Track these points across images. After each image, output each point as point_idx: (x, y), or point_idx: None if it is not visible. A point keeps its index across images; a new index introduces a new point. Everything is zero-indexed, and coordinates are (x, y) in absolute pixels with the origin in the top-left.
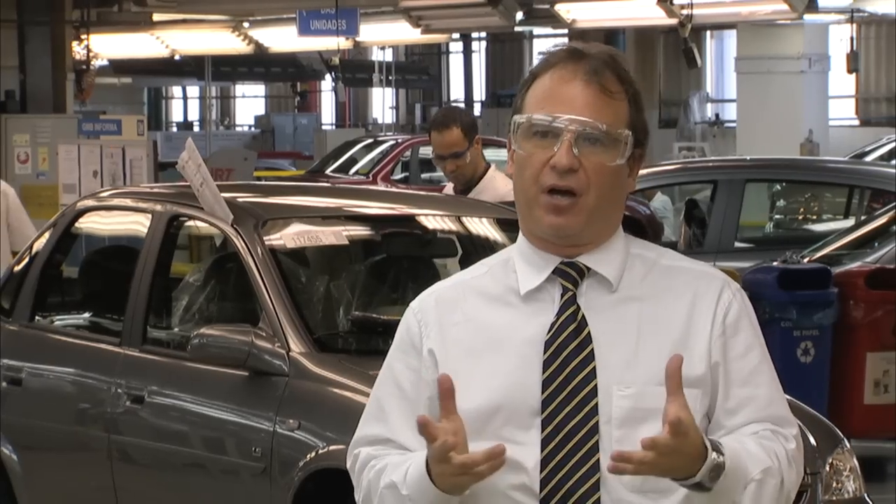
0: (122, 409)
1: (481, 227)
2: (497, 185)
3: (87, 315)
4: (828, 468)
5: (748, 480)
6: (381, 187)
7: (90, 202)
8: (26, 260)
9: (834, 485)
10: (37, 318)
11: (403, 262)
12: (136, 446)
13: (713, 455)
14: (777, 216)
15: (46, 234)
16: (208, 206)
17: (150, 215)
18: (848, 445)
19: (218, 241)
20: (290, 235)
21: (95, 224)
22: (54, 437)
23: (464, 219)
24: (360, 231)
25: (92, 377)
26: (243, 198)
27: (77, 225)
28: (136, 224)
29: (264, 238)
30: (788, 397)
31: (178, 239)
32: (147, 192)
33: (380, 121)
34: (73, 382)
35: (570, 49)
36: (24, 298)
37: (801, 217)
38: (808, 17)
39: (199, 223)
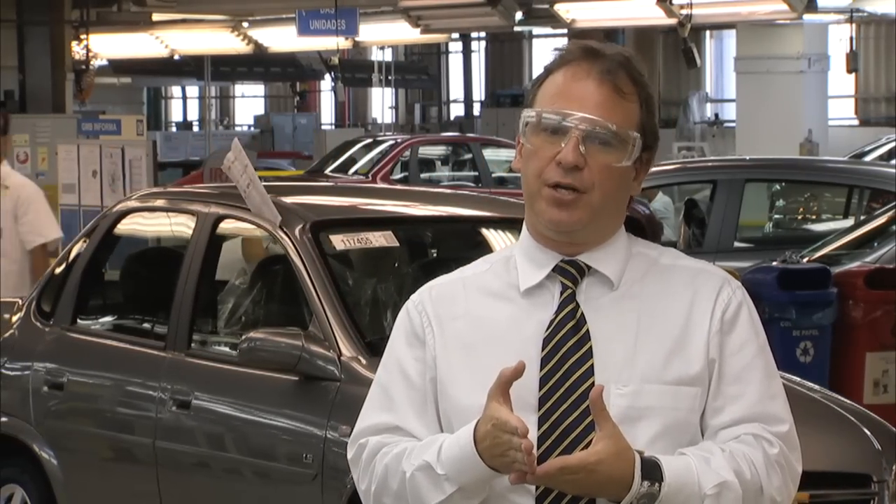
0: (168, 414)
1: None
2: None
3: (129, 318)
4: (894, 475)
5: (703, 496)
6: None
7: (132, 203)
8: (67, 262)
9: None
10: (78, 320)
11: (451, 264)
12: (181, 452)
13: (643, 484)
14: (776, 216)
15: (88, 236)
16: (255, 207)
17: (194, 217)
18: None
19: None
20: (340, 237)
21: (138, 226)
22: (96, 442)
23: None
24: (410, 232)
25: (136, 381)
26: (290, 199)
27: (119, 227)
28: (180, 226)
29: (313, 240)
30: (849, 401)
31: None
32: (191, 192)
33: (379, 121)
34: (116, 387)
35: (586, 47)
36: (65, 301)
37: (800, 217)
38: (807, 16)
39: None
